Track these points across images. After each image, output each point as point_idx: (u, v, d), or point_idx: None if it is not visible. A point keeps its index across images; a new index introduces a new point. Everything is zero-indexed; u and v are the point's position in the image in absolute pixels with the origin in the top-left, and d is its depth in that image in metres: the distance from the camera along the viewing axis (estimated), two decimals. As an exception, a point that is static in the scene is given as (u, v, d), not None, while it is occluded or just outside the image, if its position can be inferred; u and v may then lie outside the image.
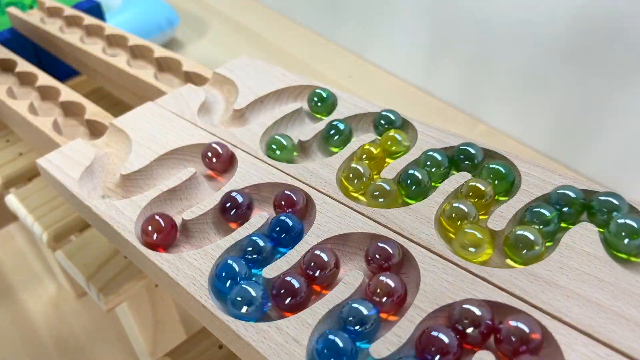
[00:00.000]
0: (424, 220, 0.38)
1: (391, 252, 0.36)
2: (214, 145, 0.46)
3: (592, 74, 0.74)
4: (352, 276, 0.35)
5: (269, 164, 0.45)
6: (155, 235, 0.39)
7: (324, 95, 0.52)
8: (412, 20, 0.96)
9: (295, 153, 0.47)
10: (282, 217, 0.39)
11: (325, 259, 0.36)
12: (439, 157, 0.42)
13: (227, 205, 0.41)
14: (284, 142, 0.47)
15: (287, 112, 0.51)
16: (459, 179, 0.40)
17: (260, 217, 0.40)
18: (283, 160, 0.46)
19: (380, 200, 0.40)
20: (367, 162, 0.44)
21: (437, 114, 0.94)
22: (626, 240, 0.34)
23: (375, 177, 0.44)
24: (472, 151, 0.43)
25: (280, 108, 0.53)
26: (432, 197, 0.39)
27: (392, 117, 0.48)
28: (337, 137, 0.47)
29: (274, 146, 0.46)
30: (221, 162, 0.46)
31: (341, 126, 0.48)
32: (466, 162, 0.42)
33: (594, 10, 0.71)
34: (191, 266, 0.37)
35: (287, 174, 0.43)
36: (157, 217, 0.40)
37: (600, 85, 0.74)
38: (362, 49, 1.11)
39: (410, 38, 0.99)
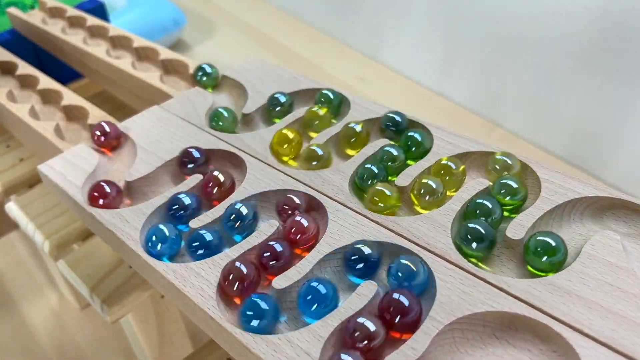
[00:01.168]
0: (439, 229, 0.38)
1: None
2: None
3: (614, 76, 0.74)
4: (365, 287, 0.35)
5: (279, 170, 0.45)
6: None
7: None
8: (425, 19, 0.97)
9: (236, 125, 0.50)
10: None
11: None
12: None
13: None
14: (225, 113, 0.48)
15: (298, 116, 0.51)
16: (476, 185, 0.40)
17: (270, 225, 0.40)
18: (227, 131, 0.49)
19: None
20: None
21: (452, 117, 0.94)
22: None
23: (390, 179, 0.44)
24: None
25: (291, 112, 0.53)
26: (449, 205, 0.39)
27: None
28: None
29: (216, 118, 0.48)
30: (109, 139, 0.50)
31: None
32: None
33: (616, 10, 0.71)
34: (198, 276, 0.37)
35: (298, 180, 0.43)
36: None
37: (622, 88, 0.74)
38: (374, 50, 1.11)
39: (424, 38, 0.99)
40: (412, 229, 0.38)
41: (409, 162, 0.45)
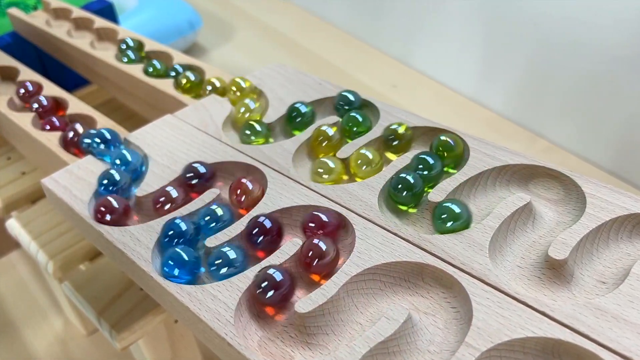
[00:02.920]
0: (476, 248, 0.38)
1: None
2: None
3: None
4: (395, 311, 0.35)
5: (302, 185, 0.45)
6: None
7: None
8: (462, 23, 0.97)
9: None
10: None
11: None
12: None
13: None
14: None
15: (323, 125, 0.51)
16: (516, 201, 0.40)
17: (293, 244, 0.40)
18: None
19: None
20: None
21: (490, 127, 0.94)
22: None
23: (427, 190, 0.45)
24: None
25: (316, 122, 0.53)
26: (486, 222, 0.39)
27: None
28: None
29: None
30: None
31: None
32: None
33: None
34: (215, 299, 0.37)
35: (323, 195, 0.44)
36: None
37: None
38: (406, 54, 1.11)
39: (459, 42, 0.99)
40: (447, 248, 0.38)
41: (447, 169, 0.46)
